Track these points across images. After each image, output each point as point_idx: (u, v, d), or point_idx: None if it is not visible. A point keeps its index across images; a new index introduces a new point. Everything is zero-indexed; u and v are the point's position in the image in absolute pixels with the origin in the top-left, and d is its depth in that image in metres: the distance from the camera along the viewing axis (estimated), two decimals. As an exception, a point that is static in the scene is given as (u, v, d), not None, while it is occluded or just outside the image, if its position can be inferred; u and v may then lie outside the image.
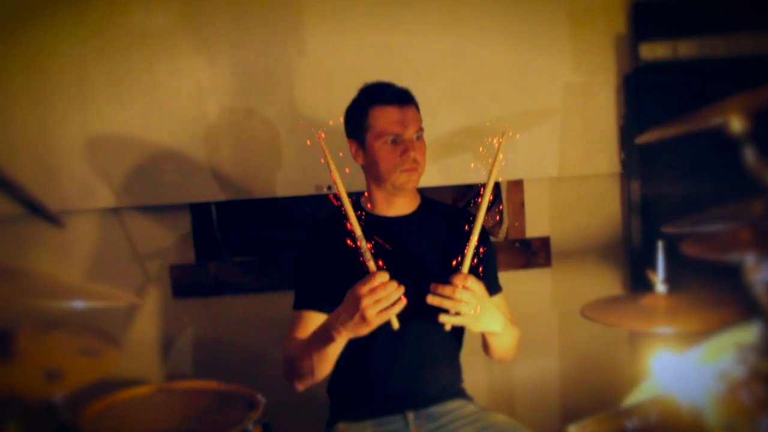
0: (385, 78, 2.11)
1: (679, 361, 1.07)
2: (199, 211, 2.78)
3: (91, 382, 1.15)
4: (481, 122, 2.68)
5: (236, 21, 2.61)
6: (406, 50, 2.66)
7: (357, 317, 1.71)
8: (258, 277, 2.77)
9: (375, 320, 1.71)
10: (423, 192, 2.21)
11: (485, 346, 2.07)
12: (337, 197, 1.79)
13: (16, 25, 2.50)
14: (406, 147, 1.99)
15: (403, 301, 1.72)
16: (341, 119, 2.11)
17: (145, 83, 2.60)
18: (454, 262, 1.85)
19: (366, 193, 2.15)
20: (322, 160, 1.79)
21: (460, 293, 1.77)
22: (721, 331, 1.06)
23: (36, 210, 1.17)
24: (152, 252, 2.74)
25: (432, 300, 1.79)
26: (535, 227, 2.88)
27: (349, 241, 1.78)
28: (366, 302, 1.69)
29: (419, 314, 1.78)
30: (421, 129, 2.04)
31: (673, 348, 1.11)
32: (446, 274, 1.81)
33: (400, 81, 2.10)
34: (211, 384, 2.02)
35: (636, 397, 1.19)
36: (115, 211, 2.68)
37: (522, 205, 2.87)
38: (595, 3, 2.72)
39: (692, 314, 1.75)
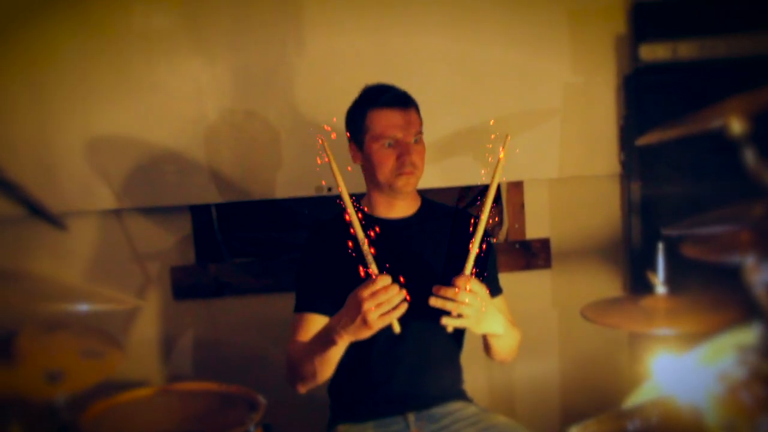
0: (385, 79, 2.11)
1: (679, 363, 1.07)
2: (199, 212, 2.78)
3: (94, 384, 1.15)
4: (481, 123, 2.68)
5: (236, 22, 2.61)
6: (406, 51, 2.66)
7: (358, 321, 1.71)
8: (258, 279, 2.77)
9: (376, 324, 1.71)
10: (423, 194, 2.21)
11: (486, 348, 2.07)
12: (340, 199, 1.79)
13: (16, 25, 2.49)
14: (403, 151, 2.00)
15: (405, 305, 1.72)
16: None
17: (145, 84, 2.60)
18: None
19: (366, 195, 2.15)
20: (321, 160, 1.79)
21: (462, 295, 1.77)
22: (722, 333, 1.06)
23: (38, 212, 1.17)
24: (152, 253, 2.74)
25: (434, 302, 1.79)
26: (535, 228, 2.88)
27: (350, 243, 1.78)
28: (367, 306, 1.69)
29: (420, 316, 1.78)
30: (419, 132, 2.04)
31: (673, 349, 1.11)
32: (449, 276, 1.82)
33: (400, 82, 2.10)
34: (212, 385, 2.02)
35: (637, 398, 1.20)
36: (116, 212, 2.68)
37: (522, 206, 2.87)
38: (595, 4, 2.72)
39: (692, 315, 1.75)
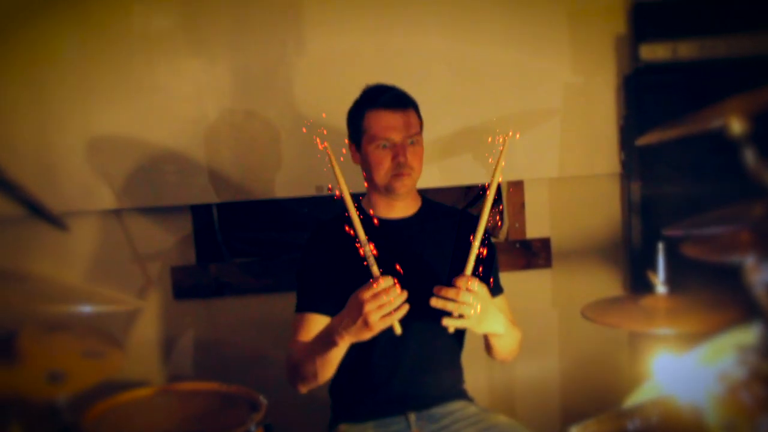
0: (385, 79, 2.11)
1: (679, 362, 1.07)
2: (200, 212, 2.78)
3: (94, 384, 1.15)
4: (481, 123, 2.68)
5: (236, 22, 2.62)
6: (406, 51, 2.66)
7: (360, 322, 1.71)
8: (259, 279, 2.78)
9: (378, 325, 1.71)
10: (424, 193, 2.21)
11: (488, 348, 2.08)
12: (342, 200, 1.79)
13: (16, 25, 2.49)
14: (397, 152, 2.00)
15: (406, 307, 1.72)
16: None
17: (145, 84, 2.60)
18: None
19: (366, 196, 2.15)
20: (324, 161, 1.79)
21: (463, 295, 1.77)
22: (722, 332, 1.06)
23: (39, 212, 1.17)
24: (153, 253, 2.74)
25: (435, 303, 1.79)
26: (535, 228, 2.88)
27: (350, 236, 1.78)
28: (369, 307, 1.69)
29: (421, 317, 1.78)
30: (416, 133, 2.04)
31: (673, 349, 1.11)
32: (450, 277, 1.82)
33: (400, 82, 2.10)
34: (213, 385, 2.02)
35: (637, 397, 1.20)
36: (116, 212, 2.68)
37: (522, 205, 2.87)
38: (595, 4, 2.72)
39: (692, 315, 1.75)
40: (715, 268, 1.14)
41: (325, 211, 2.43)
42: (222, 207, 2.84)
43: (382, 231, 1.92)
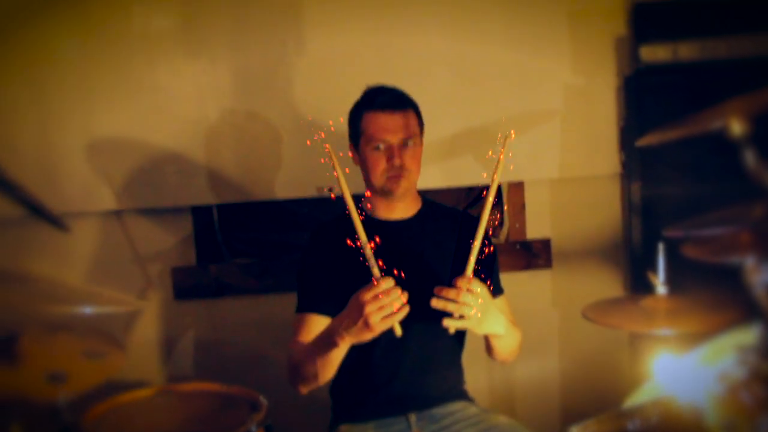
0: (386, 80, 2.11)
1: (679, 363, 1.07)
2: (200, 213, 2.78)
3: (95, 385, 1.15)
4: (481, 124, 2.68)
5: (236, 23, 2.62)
6: (406, 51, 2.66)
7: (360, 324, 1.71)
8: (259, 279, 2.78)
9: (378, 327, 1.71)
10: (424, 194, 2.21)
11: (488, 349, 2.08)
12: (342, 201, 1.79)
13: (16, 25, 2.49)
14: (392, 154, 2.00)
15: (407, 308, 1.72)
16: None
17: (145, 85, 2.60)
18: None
19: (366, 196, 2.15)
20: (323, 160, 1.79)
21: (464, 296, 1.77)
22: (722, 333, 1.06)
23: (40, 213, 1.18)
24: (153, 254, 2.74)
25: (436, 303, 1.79)
26: (535, 229, 2.88)
27: (348, 242, 1.78)
28: (369, 309, 1.69)
29: (422, 317, 1.78)
30: (413, 135, 2.03)
31: (673, 349, 1.12)
32: (451, 278, 1.82)
33: (400, 82, 2.10)
34: (214, 386, 2.02)
35: (637, 398, 1.20)
36: (117, 213, 2.68)
37: (522, 206, 2.87)
38: (596, 4, 2.72)
39: (693, 316, 1.76)
40: (715, 268, 1.14)
41: (325, 211, 2.44)
42: (222, 208, 2.84)
43: (382, 232, 1.92)
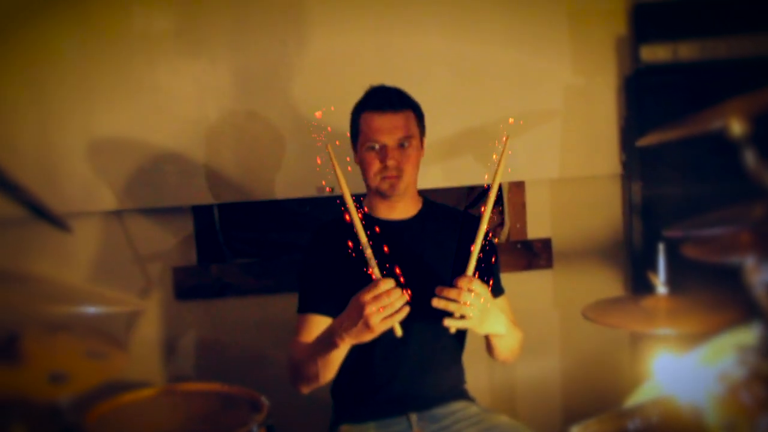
0: (386, 80, 2.12)
1: (679, 363, 1.07)
2: (201, 213, 2.78)
3: (97, 385, 1.15)
4: (482, 124, 2.68)
5: (237, 22, 2.62)
6: (406, 52, 2.66)
7: (360, 324, 1.71)
8: (260, 279, 2.78)
9: (379, 327, 1.71)
10: (425, 194, 2.21)
11: (489, 349, 2.08)
12: (343, 202, 1.79)
13: (16, 25, 2.49)
14: (385, 155, 2.00)
15: (407, 309, 1.73)
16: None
17: (145, 85, 2.60)
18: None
19: (367, 197, 2.15)
20: (322, 161, 1.79)
21: (464, 296, 1.77)
22: (722, 333, 1.06)
23: (43, 214, 1.18)
24: (154, 254, 2.74)
25: (437, 303, 1.79)
26: (536, 229, 2.88)
27: (350, 243, 1.79)
28: (370, 309, 1.69)
29: (422, 317, 1.78)
30: (408, 136, 2.03)
31: (673, 349, 1.12)
32: (452, 278, 1.82)
33: (401, 82, 2.11)
34: (215, 386, 2.01)
35: (637, 398, 1.20)
36: (117, 213, 2.68)
37: (523, 206, 2.88)
38: (596, 5, 2.72)
39: (693, 316, 1.76)
40: (715, 268, 1.14)
41: (326, 212, 2.44)
42: (223, 207, 2.85)
43: (383, 232, 1.93)
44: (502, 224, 2.91)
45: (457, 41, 2.68)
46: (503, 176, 1.88)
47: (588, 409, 1.22)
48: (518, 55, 2.70)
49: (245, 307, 2.78)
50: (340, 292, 1.85)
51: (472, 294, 1.78)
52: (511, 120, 2.53)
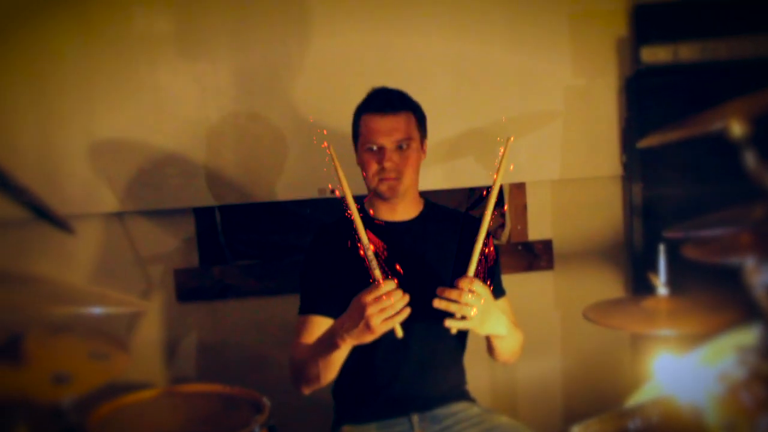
0: (388, 81, 2.12)
1: (680, 363, 1.08)
2: (202, 214, 2.79)
3: (100, 386, 1.16)
4: (482, 125, 2.69)
5: (238, 24, 2.62)
6: (408, 53, 2.67)
7: (361, 325, 1.72)
8: (262, 281, 2.78)
9: (380, 328, 1.72)
10: (427, 196, 2.22)
11: (490, 349, 2.08)
12: (345, 203, 1.80)
13: (16, 25, 2.50)
14: (382, 156, 2.01)
15: (408, 310, 1.73)
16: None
17: (147, 86, 2.61)
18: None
19: (368, 198, 2.16)
20: (325, 161, 1.80)
21: (465, 297, 1.77)
22: (722, 334, 1.07)
23: (46, 216, 1.18)
24: (156, 256, 2.74)
25: (438, 304, 1.79)
26: (537, 230, 2.88)
27: (350, 244, 1.79)
28: (371, 311, 1.70)
29: (423, 318, 1.79)
30: (407, 138, 2.03)
31: (674, 350, 1.12)
32: (453, 279, 1.82)
33: (402, 84, 2.11)
34: (217, 387, 2.02)
35: (638, 398, 1.20)
36: (119, 215, 2.69)
37: (524, 207, 2.88)
38: (596, 6, 2.73)
39: (693, 317, 1.76)
40: (715, 269, 1.15)
41: (327, 213, 2.44)
42: (224, 209, 2.85)
43: (384, 233, 1.93)
44: (503, 226, 2.92)
45: (458, 42, 2.68)
46: (504, 177, 1.89)
47: (589, 410, 1.22)
48: (519, 56, 2.70)
49: (247, 308, 2.78)
50: (342, 294, 1.86)
51: (473, 295, 1.78)
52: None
